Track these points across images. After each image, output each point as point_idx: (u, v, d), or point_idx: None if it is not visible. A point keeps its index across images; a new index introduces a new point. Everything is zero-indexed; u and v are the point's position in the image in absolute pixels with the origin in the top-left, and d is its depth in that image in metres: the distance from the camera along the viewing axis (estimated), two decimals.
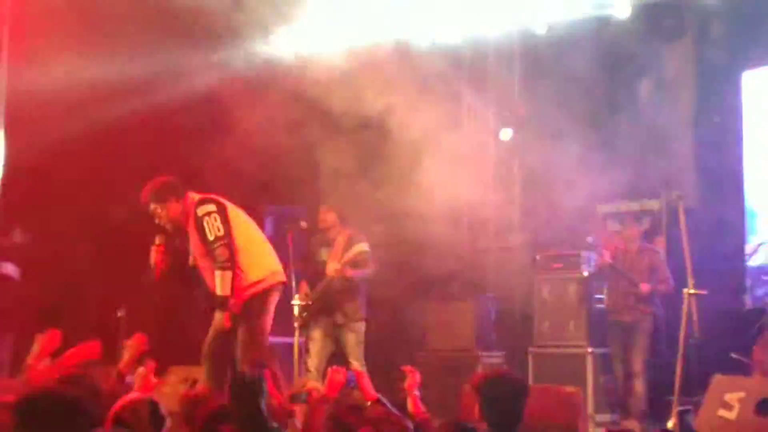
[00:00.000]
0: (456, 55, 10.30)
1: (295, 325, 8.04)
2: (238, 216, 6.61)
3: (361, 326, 8.31)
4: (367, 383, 5.35)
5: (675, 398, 6.94)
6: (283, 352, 8.83)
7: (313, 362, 8.24)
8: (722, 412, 6.39)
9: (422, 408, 5.05)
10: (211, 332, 6.56)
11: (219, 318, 6.49)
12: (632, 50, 9.98)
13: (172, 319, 8.74)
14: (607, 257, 8.51)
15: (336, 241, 8.31)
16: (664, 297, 8.55)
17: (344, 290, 8.21)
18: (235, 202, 6.79)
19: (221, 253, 6.24)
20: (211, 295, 6.44)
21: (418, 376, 5.31)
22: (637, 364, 8.38)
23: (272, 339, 8.93)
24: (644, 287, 8.33)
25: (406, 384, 5.21)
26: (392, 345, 9.46)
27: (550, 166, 9.85)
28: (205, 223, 6.29)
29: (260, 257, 6.62)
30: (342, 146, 8.93)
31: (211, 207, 6.39)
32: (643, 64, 10.12)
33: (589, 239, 8.74)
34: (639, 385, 8.30)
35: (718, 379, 6.76)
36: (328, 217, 8.44)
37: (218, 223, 6.31)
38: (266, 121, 8.83)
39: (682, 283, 7.67)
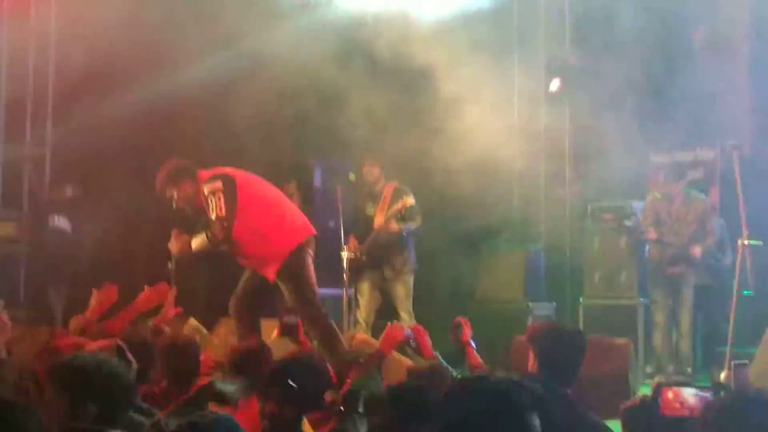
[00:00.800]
0: (506, 4, 10.20)
1: (344, 277, 8.09)
2: (251, 186, 6.70)
3: (411, 279, 8.37)
4: (426, 340, 5.35)
5: (728, 350, 6.94)
6: (333, 305, 8.94)
7: (362, 315, 8.34)
8: None
9: (479, 360, 5.05)
10: (239, 290, 6.73)
11: (247, 276, 6.67)
12: None
13: (222, 270, 8.81)
14: (653, 235, 8.47)
15: (383, 195, 8.33)
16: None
17: (391, 244, 8.26)
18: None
19: (217, 232, 6.34)
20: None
21: (469, 327, 5.30)
22: (685, 322, 8.30)
23: (321, 291, 9.14)
24: (695, 251, 8.26)
25: (461, 335, 5.20)
26: (442, 297, 9.51)
27: (602, 115, 9.73)
28: (210, 201, 6.38)
29: (282, 218, 6.72)
30: (389, 98, 8.92)
31: (218, 184, 6.47)
32: (698, 11, 10.01)
33: (629, 223, 8.68)
34: (685, 346, 8.23)
35: None
36: (373, 171, 8.49)
37: (221, 202, 6.40)
38: (309, 73, 8.94)
39: (737, 233, 7.55)
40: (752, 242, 7.57)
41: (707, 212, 8.54)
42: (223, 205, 6.37)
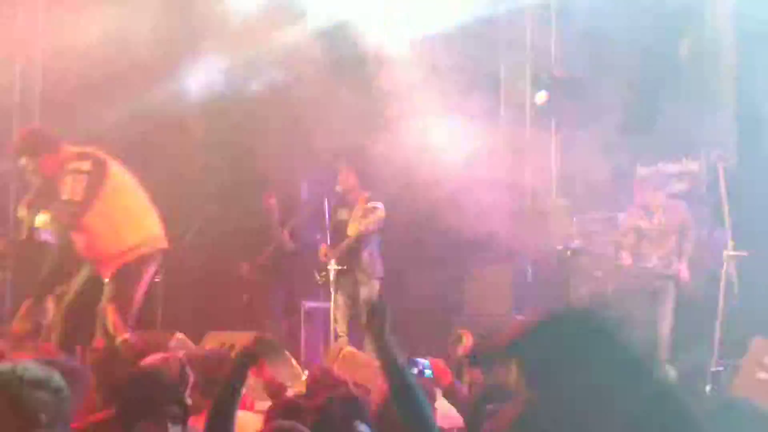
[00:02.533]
0: (493, 17, 10.53)
1: (331, 289, 8.47)
2: (118, 176, 6.37)
3: (376, 285, 8.56)
4: (442, 371, 5.41)
5: (714, 362, 7.13)
6: (321, 317, 9.29)
7: (341, 327, 8.59)
8: (761, 375, 6.59)
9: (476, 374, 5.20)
10: (73, 290, 6.51)
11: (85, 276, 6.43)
12: (672, 7, 10.08)
13: (207, 284, 9.05)
14: (627, 260, 8.75)
15: (357, 203, 8.67)
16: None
17: (360, 248, 8.69)
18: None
19: (63, 216, 6.08)
20: None
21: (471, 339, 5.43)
22: (664, 329, 8.62)
23: (309, 304, 9.40)
24: (683, 274, 8.57)
25: (461, 348, 5.32)
26: (429, 310, 9.82)
27: (588, 128, 10.01)
28: (69, 179, 6.03)
29: (139, 221, 6.46)
30: (374, 111, 9.24)
31: (86, 165, 6.11)
32: (684, 22, 10.30)
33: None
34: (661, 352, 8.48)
35: (757, 341, 7.01)
36: (349, 178, 8.69)
37: (82, 185, 6.05)
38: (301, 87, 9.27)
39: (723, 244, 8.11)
40: (738, 253, 8.00)
41: (687, 222, 8.80)
42: (82, 190, 6.02)
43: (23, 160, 6.27)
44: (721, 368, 7.26)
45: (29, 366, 2.56)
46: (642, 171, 10.24)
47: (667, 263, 8.64)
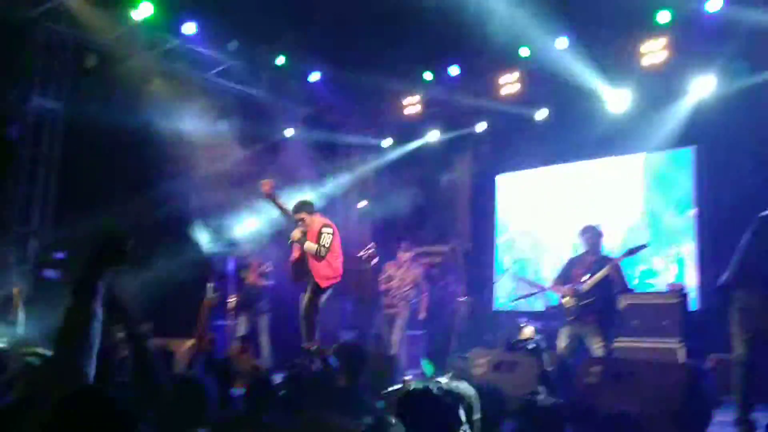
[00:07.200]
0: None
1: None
2: (337, 236, 8.76)
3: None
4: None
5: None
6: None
7: None
8: (476, 370, 8.14)
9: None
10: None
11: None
12: (443, 162, 14.16)
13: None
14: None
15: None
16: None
17: None
18: None
19: (322, 252, 8.54)
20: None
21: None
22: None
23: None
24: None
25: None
26: None
27: (393, 228, 13.57)
28: (324, 234, 8.59)
29: (339, 260, 8.87)
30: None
31: (330, 229, 8.65)
32: (444, 166, 14.29)
33: None
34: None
35: (474, 350, 8.67)
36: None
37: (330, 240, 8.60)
38: None
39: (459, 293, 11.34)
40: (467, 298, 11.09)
41: (418, 279, 11.33)
42: (328, 243, 8.56)
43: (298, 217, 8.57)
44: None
45: None
46: (416, 249, 12.48)
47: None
